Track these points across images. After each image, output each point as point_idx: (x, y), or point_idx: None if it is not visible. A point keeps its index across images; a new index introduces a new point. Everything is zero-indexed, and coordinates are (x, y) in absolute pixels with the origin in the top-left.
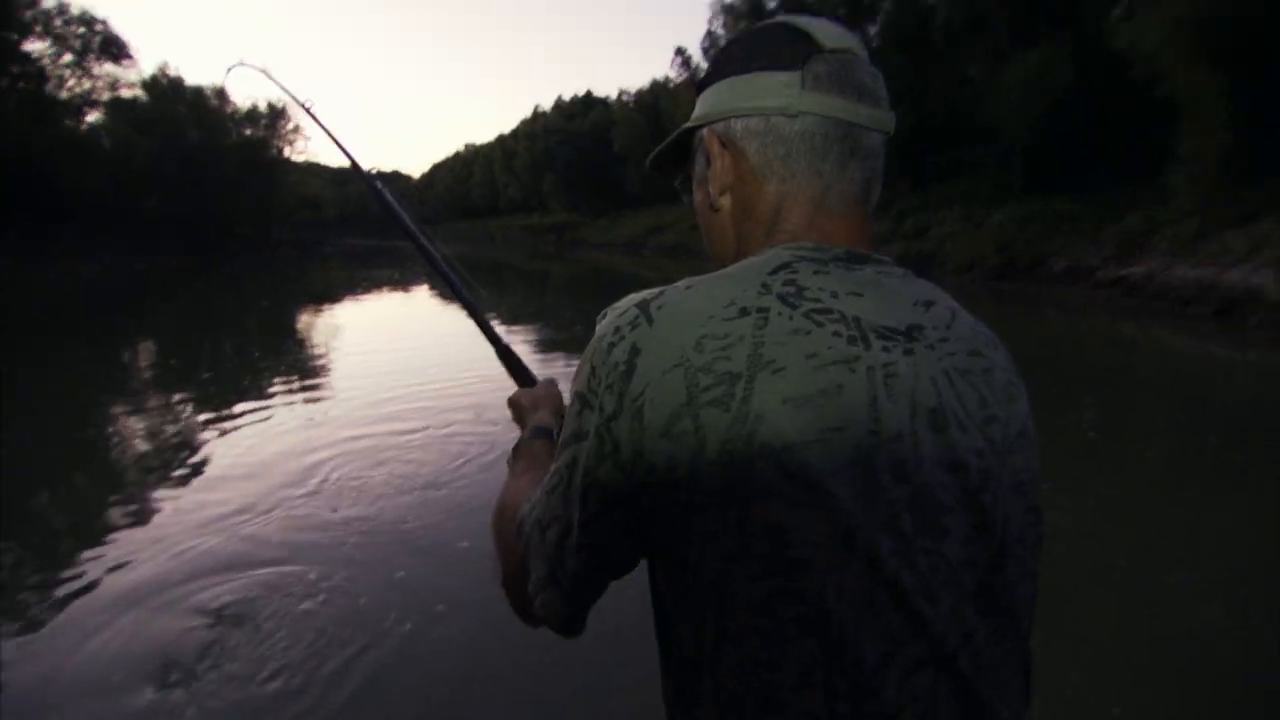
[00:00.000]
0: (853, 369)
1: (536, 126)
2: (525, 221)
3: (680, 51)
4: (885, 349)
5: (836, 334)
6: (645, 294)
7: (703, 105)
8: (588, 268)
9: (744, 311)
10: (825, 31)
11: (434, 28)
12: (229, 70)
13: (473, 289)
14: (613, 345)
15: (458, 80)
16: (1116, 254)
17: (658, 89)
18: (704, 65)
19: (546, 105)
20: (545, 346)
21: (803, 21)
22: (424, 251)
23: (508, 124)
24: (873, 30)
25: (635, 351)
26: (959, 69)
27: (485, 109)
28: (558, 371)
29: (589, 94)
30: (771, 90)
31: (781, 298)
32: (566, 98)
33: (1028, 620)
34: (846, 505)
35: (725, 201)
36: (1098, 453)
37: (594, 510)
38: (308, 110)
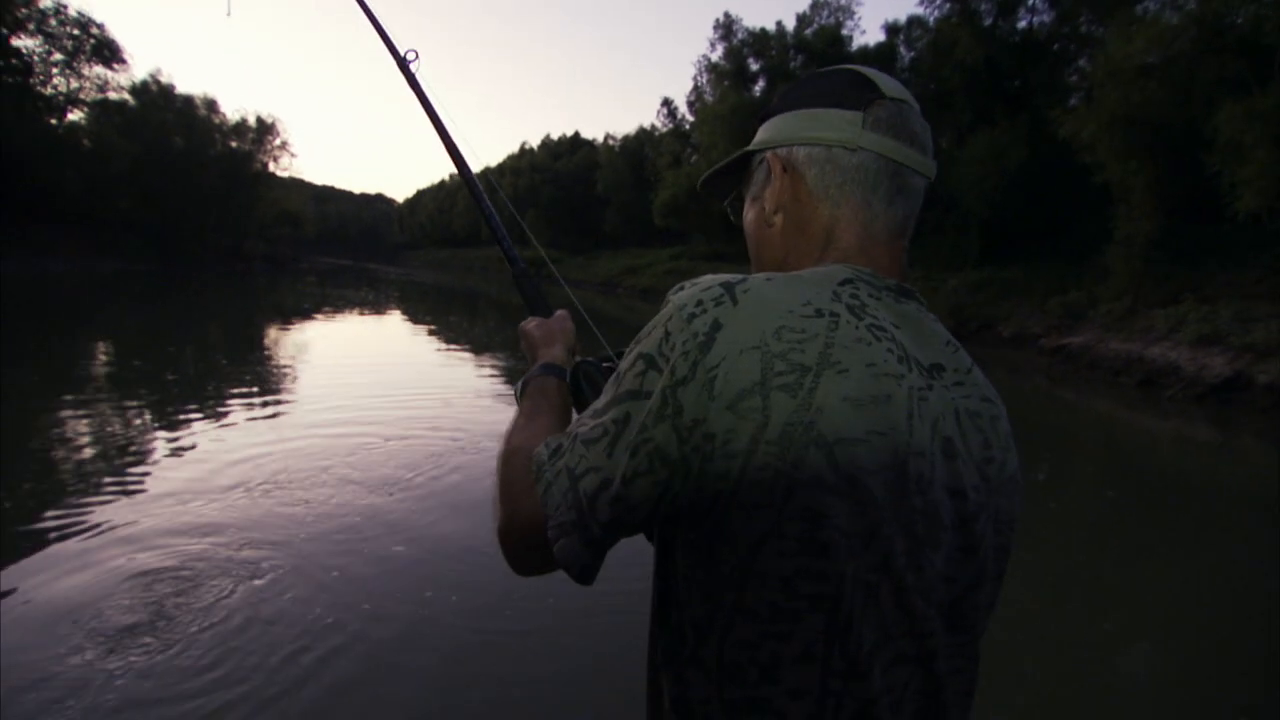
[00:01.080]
0: (899, 384)
1: (523, 162)
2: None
3: (667, 102)
4: (920, 376)
5: (890, 350)
6: (728, 276)
7: (767, 131)
8: (561, 302)
9: (819, 313)
10: (886, 82)
11: (428, 56)
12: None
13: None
14: (694, 316)
15: (448, 109)
16: (1059, 324)
17: (643, 136)
18: (689, 116)
19: (534, 142)
20: (512, 375)
21: (868, 71)
22: (453, 154)
23: (494, 157)
24: None
25: (717, 326)
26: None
27: (473, 140)
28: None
29: (577, 135)
30: (835, 125)
31: (850, 308)
32: (555, 137)
33: (978, 644)
34: (878, 502)
35: (779, 219)
36: (1038, 506)
37: (641, 467)
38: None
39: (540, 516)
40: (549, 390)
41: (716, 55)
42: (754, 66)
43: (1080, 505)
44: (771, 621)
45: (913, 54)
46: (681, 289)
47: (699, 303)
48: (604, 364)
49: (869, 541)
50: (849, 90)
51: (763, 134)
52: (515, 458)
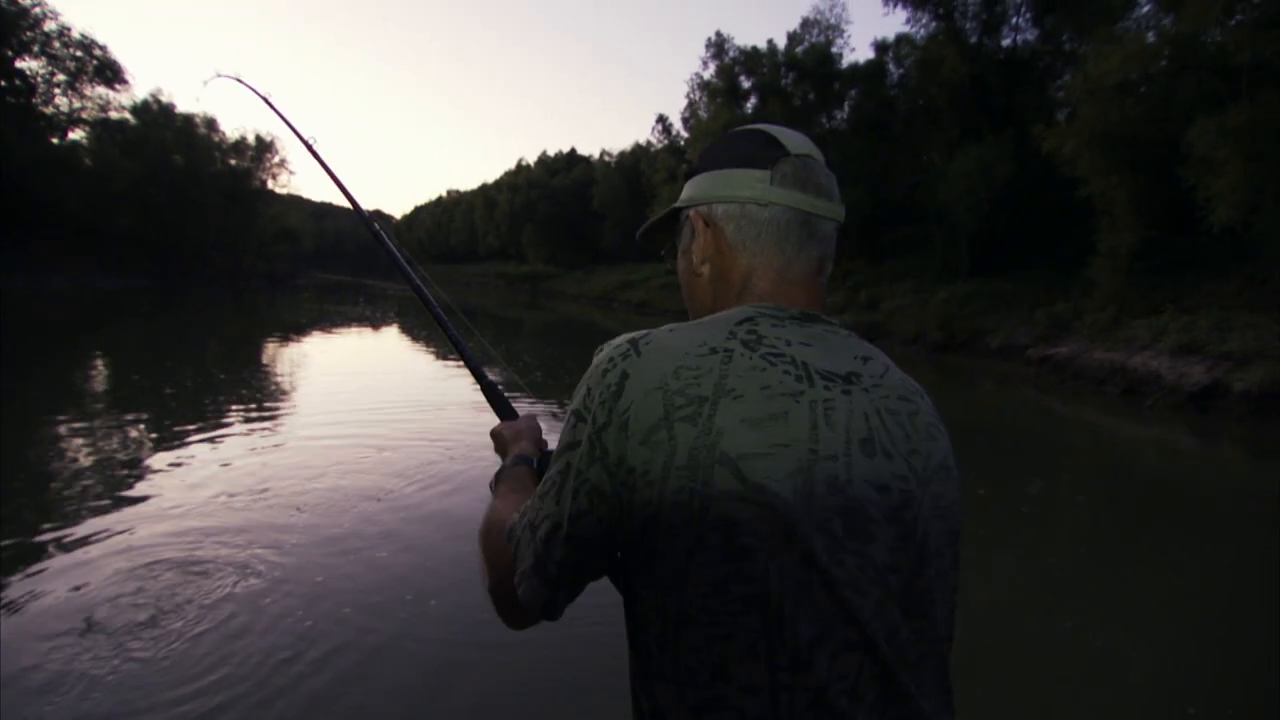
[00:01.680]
0: (797, 400)
1: (519, 178)
2: (502, 269)
3: (662, 119)
4: (826, 387)
5: (786, 372)
6: (635, 334)
7: (690, 190)
8: (560, 317)
9: (713, 350)
10: (792, 140)
11: (429, 73)
12: (207, 81)
13: (466, 331)
14: (606, 371)
15: (446, 126)
16: (1045, 335)
17: (639, 152)
18: (684, 133)
19: (531, 158)
20: (509, 387)
21: (774, 130)
22: (418, 292)
23: (492, 173)
24: (840, 116)
25: (625, 376)
26: (916, 155)
27: (470, 156)
28: (521, 406)
29: (573, 151)
30: (747, 183)
31: (744, 342)
32: (551, 153)
33: (945, 628)
34: (787, 505)
35: (705, 269)
36: (1029, 514)
37: (582, 506)
38: (310, 146)
39: (507, 577)
40: (520, 475)
41: (709, 73)
42: (745, 84)
43: (1064, 511)
44: (713, 625)
45: (901, 71)
46: (601, 350)
47: (611, 359)
48: None
49: (787, 542)
50: (758, 150)
51: (687, 192)
52: (493, 529)
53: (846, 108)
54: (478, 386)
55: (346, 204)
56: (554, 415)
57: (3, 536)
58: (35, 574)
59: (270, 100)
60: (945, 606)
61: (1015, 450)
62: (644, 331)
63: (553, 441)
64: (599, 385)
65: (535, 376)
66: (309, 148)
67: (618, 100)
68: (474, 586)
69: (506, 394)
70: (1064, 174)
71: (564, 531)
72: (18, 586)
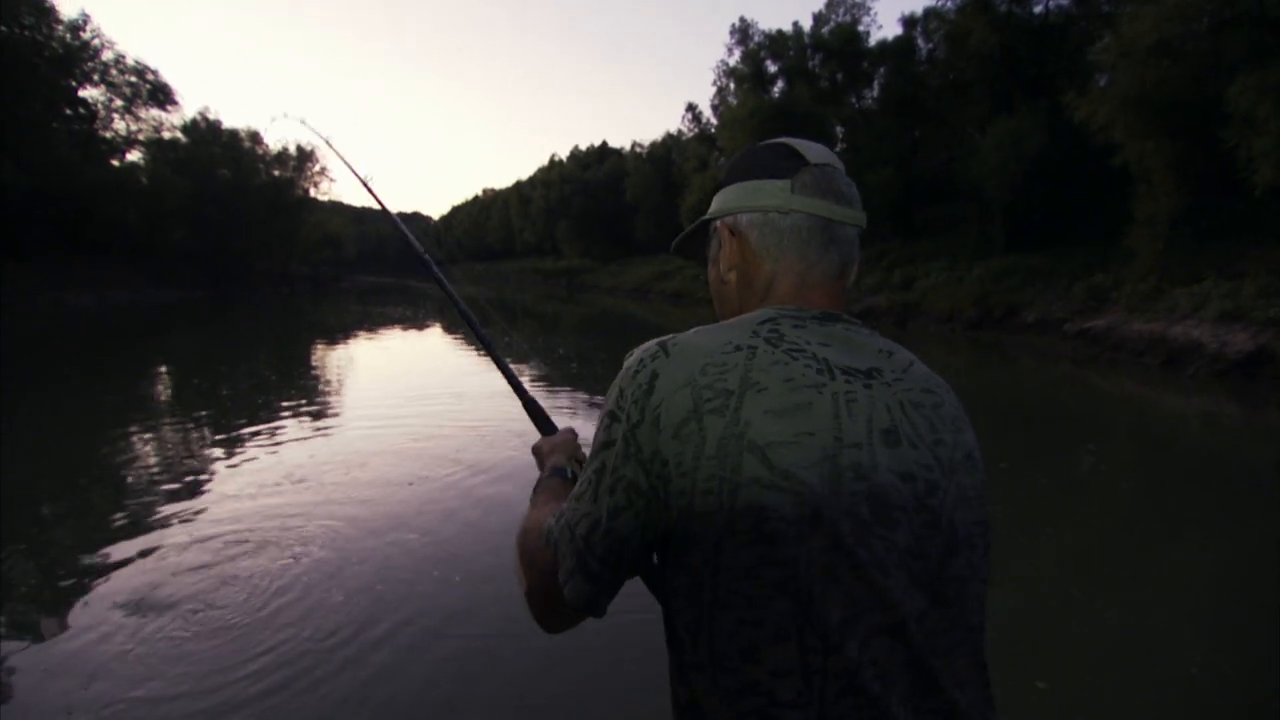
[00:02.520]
0: (820, 391)
1: (553, 174)
2: (538, 265)
3: (691, 107)
4: (847, 381)
5: (808, 366)
6: (664, 337)
7: (717, 203)
8: (597, 310)
9: (738, 348)
10: (811, 150)
11: (461, 76)
12: (271, 121)
13: (501, 339)
14: (637, 372)
15: (480, 127)
16: (1082, 308)
17: (670, 142)
18: (714, 120)
19: (563, 154)
20: (552, 381)
21: (795, 142)
22: (459, 309)
23: (525, 170)
24: (870, 95)
25: (655, 375)
26: (948, 130)
27: (504, 155)
28: (564, 402)
29: (604, 144)
30: (769, 193)
31: (767, 340)
32: (583, 147)
33: (977, 616)
34: (814, 490)
35: (732, 276)
36: (1070, 490)
37: (620, 503)
38: (367, 185)
39: (549, 578)
40: (555, 486)
41: (734, 60)
42: (772, 68)
43: (1105, 486)
44: (744, 609)
45: (930, 46)
46: (632, 354)
47: (641, 361)
48: None
49: (814, 526)
50: (779, 161)
51: (715, 205)
52: (529, 534)
53: (876, 86)
54: (519, 402)
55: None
56: (592, 405)
57: (84, 524)
58: (110, 556)
59: (330, 142)
60: (976, 597)
61: (1054, 425)
62: (671, 335)
63: (588, 449)
64: (631, 385)
65: (571, 368)
66: (366, 187)
67: (647, 90)
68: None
69: (547, 389)
70: (1098, 142)
71: (603, 527)
72: (96, 566)
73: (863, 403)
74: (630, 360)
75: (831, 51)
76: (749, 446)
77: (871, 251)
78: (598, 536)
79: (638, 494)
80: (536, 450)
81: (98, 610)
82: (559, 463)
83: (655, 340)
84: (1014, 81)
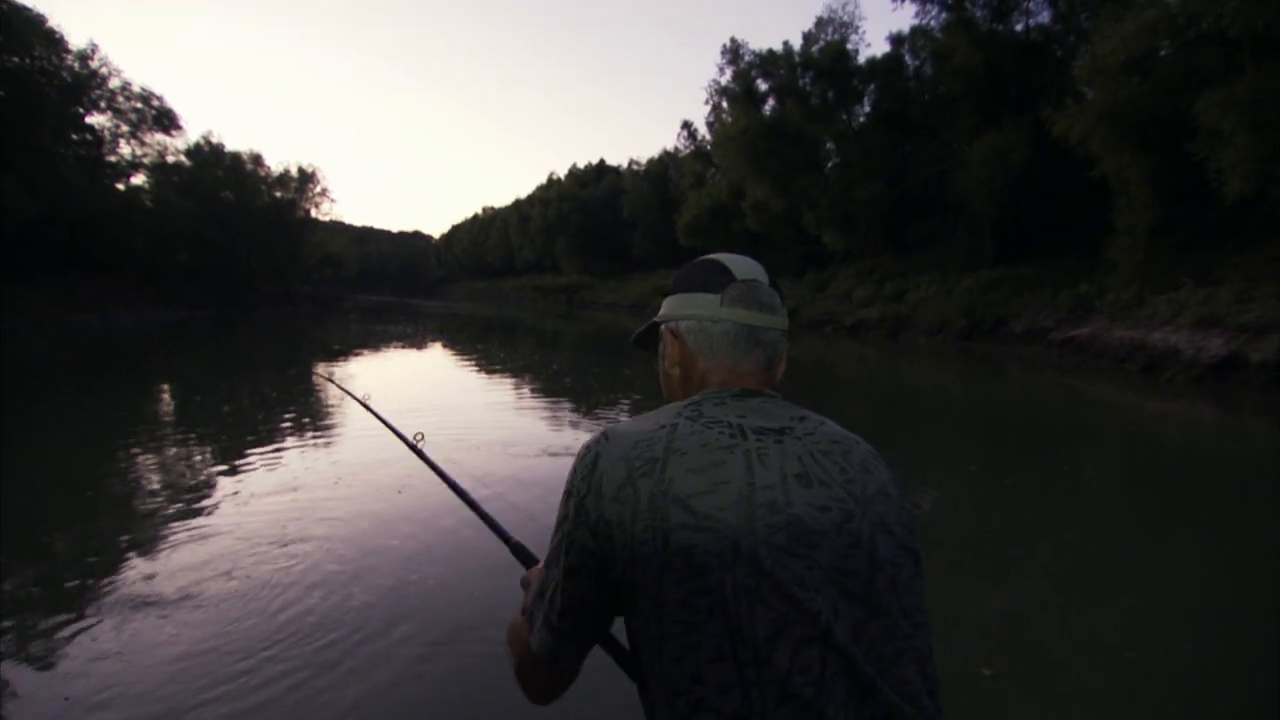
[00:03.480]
0: (732, 451)
1: (551, 192)
2: (538, 282)
3: (687, 125)
4: (759, 440)
5: (721, 433)
6: (607, 427)
7: (665, 308)
8: (596, 327)
9: (662, 426)
10: (740, 267)
11: (461, 95)
12: (304, 376)
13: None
14: (583, 456)
15: (480, 145)
16: (1068, 317)
17: (666, 159)
18: (709, 137)
19: (561, 172)
20: (551, 394)
21: (726, 259)
22: (468, 501)
23: (524, 189)
24: (860, 112)
25: (598, 456)
26: (937, 145)
27: (504, 174)
28: (561, 415)
29: (602, 162)
30: (702, 305)
31: (688, 417)
32: (581, 165)
33: (915, 628)
34: (732, 526)
35: (675, 370)
36: (1059, 493)
37: (574, 563)
38: (415, 448)
39: (525, 642)
40: None
41: (726, 79)
42: (763, 87)
43: (1088, 491)
44: (685, 635)
45: (917, 63)
46: (583, 445)
47: (587, 447)
48: None
49: (735, 556)
50: (711, 277)
51: (663, 309)
52: (516, 623)
53: (866, 103)
54: (503, 544)
55: (386, 227)
56: (585, 418)
57: (88, 530)
58: (112, 561)
59: (369, 404)
60: (914, 610)
61: (1039, 432)
62: (611, 425)
63: None
64: (580, 466)
65: (566, 382)
66: (415, 449)
67: (645, 108)
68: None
69: (543, 401)
70: (1079, 155)
71: (560, 585)
72: (97, 569)
73: (774, 455)
74: (582, 448)
75: (821, 70)
76: (674, 499)
77: (863, 265)
78: (557, 594)
79: (588, 554)
80: (525, 582)
81: (99, 610)
82: None
83: (601, 430)
84: (998, 97)
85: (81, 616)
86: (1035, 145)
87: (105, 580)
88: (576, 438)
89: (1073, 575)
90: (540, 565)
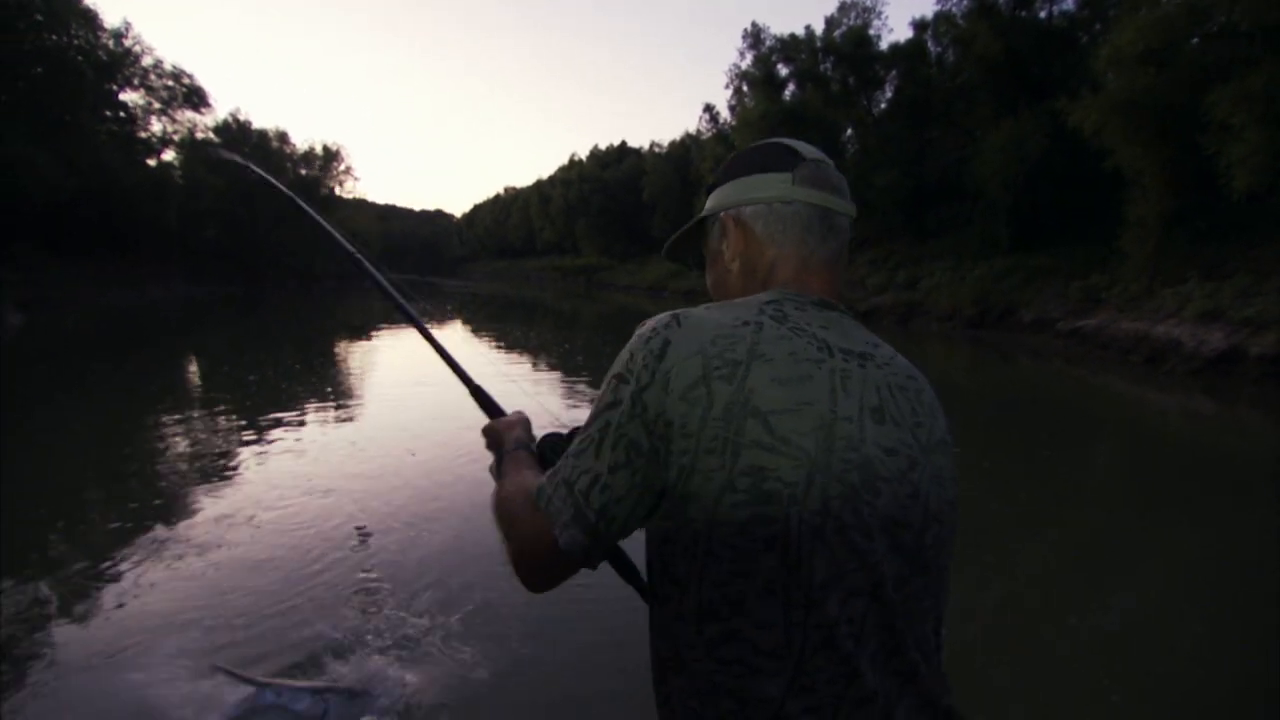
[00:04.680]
0: (819, 366)
1: (572, 173)
2: (558, 263)
3: (709, 108)
4: (844, 360)
5: (809, 343)
6: (677, 310)
7: (717, 198)
8: (614, 308)
9: (746, 323)
10: (805, 147)
11: (483, 74)
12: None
13: (426, 318)
14: (649, 339)
15: (502, 125)
16: (1077, 307)
17: (688, 141)
18: (730, 120)
19: (583, 153)
20: (566, 372)
21: (790, 141)
22: (399, 306)
23: (546, 169)
24: (881, 98)
25: (667, 343)
26: (957, 133)
27: (525, 154)
28: (571, 390)
29: (623, 144)
30: (771, 185)
31: (772, 317)
32: (602, 146)
33: (940, 585)
34: (810, 455)
35: (736, 265)
36: (1058, 484)
37: (620, 459)
38: (272, 180)
39: (543, 534)
40: (522, 458)
41: (746, 63)
42: (783, 72)
43: (1089, 479)
44: (734, 561)
45: (940, 49)
46: (644, 324)
47: (654, 329)
48: (570, 434)
49: (808, 489)
50: (778, 157)
51: (714, 201)
52: (511, 500)
53: (888, 90)
54: (466, 390)
55: (409, 205)
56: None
57: (138, 495)
58: (149, 514)
59: (250, 165)
60: (946, 570)
61: (1044, 421)
62: (683, 309)
63: (540, 431)
64: (642, 350)
65: (579, 359)
66: (278, 186)
67: (667, 91)
68: None
69: (561, 380)
70: (1096, 146)
71: (603, 481)
72: (133, 523)
73: (856, 380)
74: (643, 329)
75: (843, 55)
76: (753, 411)
77: (879, 252)
78: (596, 490)
79: (638, 453)
80: (490, 430)
81: (137, 549)
82: (520, 438)
83: (668, 312)
84: (1018, 85)
85: (122, 555)
86: (1053, 134)
87: (143, 524)
88: (582, 415)
89: (1073, 564)
90: (573, 450)
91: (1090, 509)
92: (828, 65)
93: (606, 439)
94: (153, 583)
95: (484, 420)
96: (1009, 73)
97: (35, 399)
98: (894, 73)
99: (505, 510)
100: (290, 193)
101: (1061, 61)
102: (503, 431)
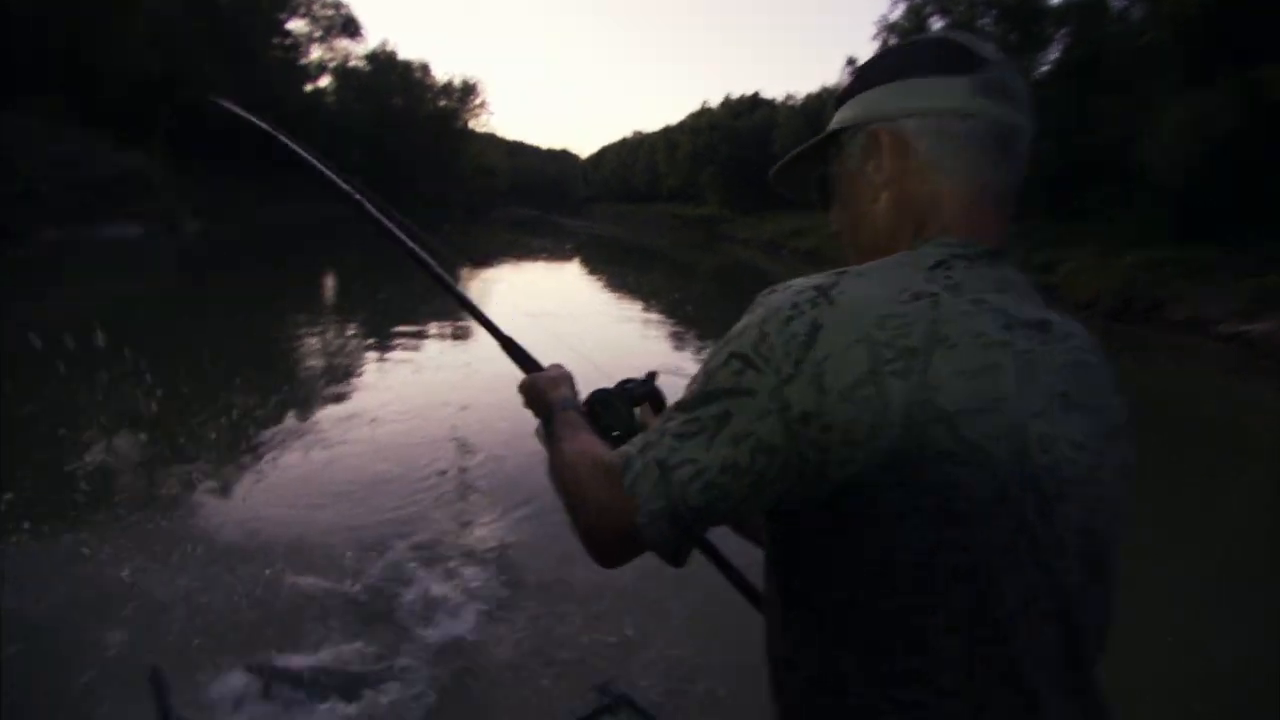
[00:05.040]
0: (1005, 349)
1: (702, 121)
2: (679, 210)
3: (851, 61)
4: (1027, 337)
5: (993, 320)
6: (819, 279)
7: (861, 107)
8: (730, 260)
9: (918, 296)
10: (985, 47)
11: (617, 14)
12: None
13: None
14: (791, 319)
15: (633, 68)
16: (1244, 309)
17: (825, 95)
18: None
19: (714, 102)
20: (674, 315)
21: (963, 37)
22: (411, 252)
23: (675, 116)
24: (1045, 60)
25: (817, 326)
26: (1132, 101)
27: (655, 99)
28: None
29: (756, 95)
30: (945, 93)
31: (947, 288)
32: (735, 96)
33: (1115, 591)
34: (1004, 466)
35: (885, 195)
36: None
37: (742, 460)
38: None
39: (623, 507)
40: (572, 419)
41: (896, 14)
42: (936, 25)
43: (1237, 505)
44: (914, 594)
45: (1124, 4)
46: (773, 292)
47: (794, 305)
48: (620, 389)
49: (1001, 505)
50: (951, 57)
51: (857, 109)
52: (578, 466)
53: (1054, 50)
54: (497, 344)
55: (536, 143)
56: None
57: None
58: (281, 417)
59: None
60: (1118, 574)
61: (1185, 438)
62: (830, 278)
63: (589, 387)
64: (781, 333)
65: (688, 309)
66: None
67: (805, 42)
68: None
69: (664, 325)
70: None
71: (709, 478)
72: (268, 423)
73: (1041, 362)
74: (778, 301)
75: (1007, 9)
76: (937, 415)
77: (1020, 229)
78: (698, 485)
79: (767, 456)
80: (530, 386)
81: (273, 439)
82: (565, 396)
83: (808, 282)
84: (1215, 50)
85: (262, 443)
86: (1249, 110)
87: (280, 419)
88: (648, 363)
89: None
90: (676, 427)
91: (1233, 542)
92: (988, 20)
93: (724, 431)
94: (288, 465)
95: (519, 375)
96: (1207, 35)
97: (210, 300)
98: (1064, 30)
99: (571, 478)
100: (272, 129)
101: (1271, 25)
102: (545, 389)
